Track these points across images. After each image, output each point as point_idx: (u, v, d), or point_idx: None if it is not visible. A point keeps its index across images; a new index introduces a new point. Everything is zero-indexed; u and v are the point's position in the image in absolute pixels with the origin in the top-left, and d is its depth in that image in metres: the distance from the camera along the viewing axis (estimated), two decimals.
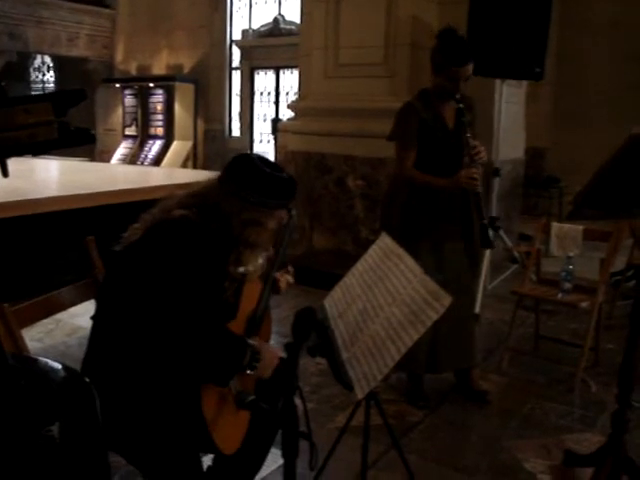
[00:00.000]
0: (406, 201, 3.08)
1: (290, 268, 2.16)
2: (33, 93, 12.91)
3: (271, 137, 9.58)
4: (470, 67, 2.89)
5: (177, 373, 1.65)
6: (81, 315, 3.83)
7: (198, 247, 1.67)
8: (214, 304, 1.71)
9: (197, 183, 1.87)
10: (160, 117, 11.20)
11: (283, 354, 1.75)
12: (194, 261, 1.65)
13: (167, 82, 11.04)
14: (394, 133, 3.10)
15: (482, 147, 2.92)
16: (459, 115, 2.93)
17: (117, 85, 11.80)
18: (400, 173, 3.09)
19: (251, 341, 1.71)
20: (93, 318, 1.81)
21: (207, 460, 1.95)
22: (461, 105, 2.90)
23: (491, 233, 3.03)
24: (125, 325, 1.67)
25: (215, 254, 1.70)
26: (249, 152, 1.95)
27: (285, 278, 2.11)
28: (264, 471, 2.14)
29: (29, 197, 2.80)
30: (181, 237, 1.67)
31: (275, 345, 1.90)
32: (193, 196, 1.80)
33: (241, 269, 1.76)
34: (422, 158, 2.99)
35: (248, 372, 1.67)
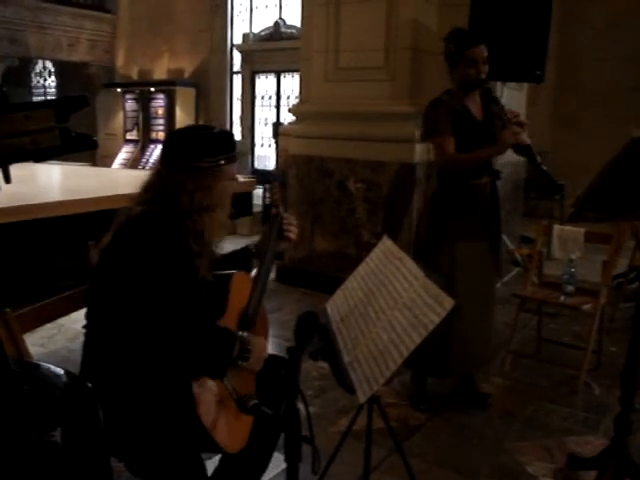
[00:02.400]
0: (434, 203, 3.07)
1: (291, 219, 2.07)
2: (34, 98, 12.96)
3: (272, 141, 9.59)
4: (484, 48, 2.88)
5: (168, 375, 1.65)
6: (83, 320, 3.82)
7: (163, 238, 1.67)
8: (194, 290, 1.69)
9: (146, 174, 1.87)
10: (161, 121, 11.20)
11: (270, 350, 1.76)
12: (163, 252, 1.65)
13: (168, 86, 11.05)
14: (427, 130, 3.06)
15: (516, 111, 2.91)
16: (487, 94, 2.91)
17: (118, 90, 11.81)
18: (443, 162, 3.02)
19: (240, 333, 1.71)
20: (85, 327, 1.81)
21: (210, 465, 1.95)
22: (488, 85, 2.90)
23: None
24: (112, 332, 1.68)
25: (178, 238, 1.70)
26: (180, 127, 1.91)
27: (291, 225, 2.03)
28: (267, 475, 2.14)
29: (31, 202, 2.80)
30: (144, 233, 1.68)
31: (277, 349, 1.90)
32: (146, 189, 1.79)
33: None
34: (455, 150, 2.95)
35: (240, 363, 1.68)
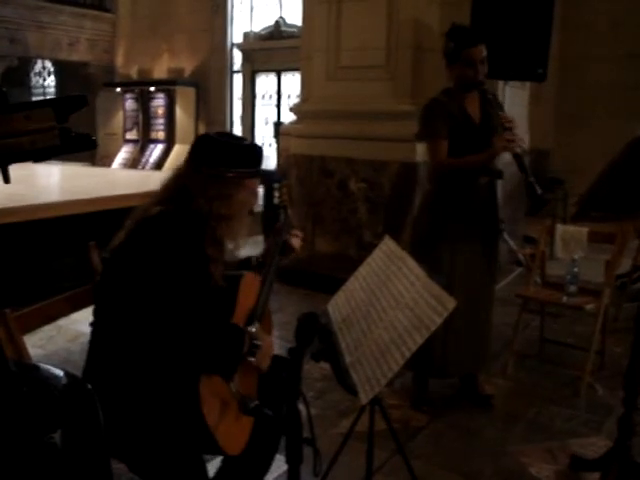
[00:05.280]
0: (434, 206, 3.05)
1: (297, 231, 2.15)
2: (34, 98, 12.95)
3: (273, 140, 9.59)
4: (483, 48, 2.84)
5: (175, 374, 1.65)
6: (82, 321, 3.78)
7: (179, 239, 1.67)
8: (206, 293, 1.70)
9: (169, 173, 1.88)
10: (161, 121, 11.22)
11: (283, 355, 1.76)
12: (178, 254, 1.65)
13: (168, 86, 11.07)
14: (422, 131, 3.03)
15: (511, 117, 2.86)
16: (483, 96, 2.88)
17: (118, 89, 11.83)
18: (435, 166, 3.01)
19: (248, 328, 1.72)
20: (92, 325, 1.80)
21: (211, 467, 1.93)
22: (485, 86, 2.86)
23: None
24: (121, 329, 1.68)
25: (195, 241, 1.70)
26: (210, 132, 1.92)
27: (296, 237, 2.09)
28: (268, 477, 2.12)
29: (30, 203, 2.80)
30: (161, 233, 1.68)
31: (278, 350, 1.89)
32: (166, 188, 1.80)
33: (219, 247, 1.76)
34: (450, 154, 2.92)
35: (249, 358, 1.68)
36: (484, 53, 2.86)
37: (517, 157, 2.81)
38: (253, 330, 1.73)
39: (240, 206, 1.78)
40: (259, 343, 1.70)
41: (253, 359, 1.70)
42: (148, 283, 1.62)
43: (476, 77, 2.85)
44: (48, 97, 12.48)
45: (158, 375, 1.65)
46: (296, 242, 2.09)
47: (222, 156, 1.73)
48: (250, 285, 1.87)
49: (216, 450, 1.72)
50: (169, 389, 1.65)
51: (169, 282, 1.62)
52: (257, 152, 1.81)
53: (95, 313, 1.83)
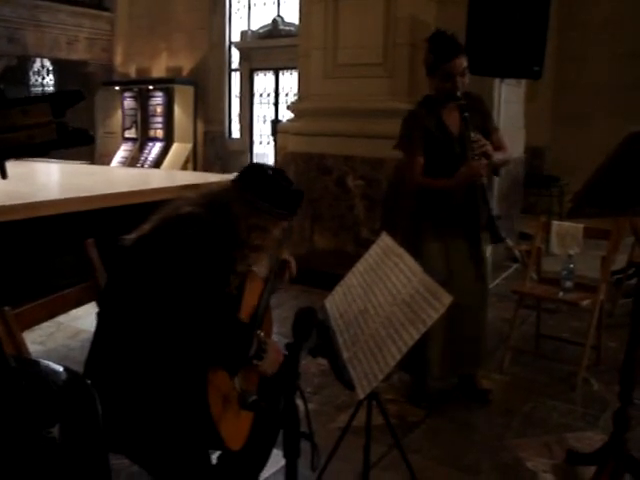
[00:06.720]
0: (414, 208, 3.06)
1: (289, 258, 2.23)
2: None
3: (271, 138, 9.59)
4: (461, 61, 2.83)
5: (184, 369, 1.66)
6: (82, 318, 3.83)
7: (205, 241, 1.72)
8: (219, 295, 1.74)
9: (210, 184, 1.96)
10: (160, 119, 11.18)
11: (285, 352, 1.78)
12: (201, 255, 1.69)
13: (166, 84, 11.04)
14: (399, 142, 3.07)
15: (484, 140, 2.85)
16: (462, 113, 2.86)
17: (116, 88, 11.79)
18: (409, 180, 3.06)
19: (258, 332, 1.75)
20: (99, 314, 1.82)
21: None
22: (462, 102, 2.85)
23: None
24: (131, 320, 1.70)
25: (221, 249, 1.75)
26: (263, 163, 2.05)
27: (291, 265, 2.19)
28: (266, 472, 2.14)
29: (29, 200, 2.80)
30: (189, 231, 1.72)
31: None
32: (204, 196, 1.87)
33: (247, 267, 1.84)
34: (429, 166, 2.95)
35: (255, 362, 1.71)
36: (464, 65, 2.84)
37: (481, 189, 2.86)
38: (262, 334, 1.76)
39: (273, 242, 1.89)
40: (266, 347, 1.72)
41: (259, 362, 1.72)
42: (171, 276, 1.65)
43: (454, 90, 2.84)
44: None
45: (166, 367, 1.66)
46: (292, 267, 2.19)
47: (272, 194, 1.83)
48: (254, 285, 1.91)
49: (219, 445, 1.74)
50: (177, 382, 1.66)
51: (191, 279, 1.65)
52: (300, 198, 1.93)
53: (103, 303, 1.85)
